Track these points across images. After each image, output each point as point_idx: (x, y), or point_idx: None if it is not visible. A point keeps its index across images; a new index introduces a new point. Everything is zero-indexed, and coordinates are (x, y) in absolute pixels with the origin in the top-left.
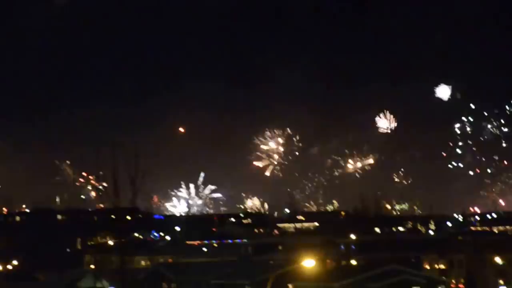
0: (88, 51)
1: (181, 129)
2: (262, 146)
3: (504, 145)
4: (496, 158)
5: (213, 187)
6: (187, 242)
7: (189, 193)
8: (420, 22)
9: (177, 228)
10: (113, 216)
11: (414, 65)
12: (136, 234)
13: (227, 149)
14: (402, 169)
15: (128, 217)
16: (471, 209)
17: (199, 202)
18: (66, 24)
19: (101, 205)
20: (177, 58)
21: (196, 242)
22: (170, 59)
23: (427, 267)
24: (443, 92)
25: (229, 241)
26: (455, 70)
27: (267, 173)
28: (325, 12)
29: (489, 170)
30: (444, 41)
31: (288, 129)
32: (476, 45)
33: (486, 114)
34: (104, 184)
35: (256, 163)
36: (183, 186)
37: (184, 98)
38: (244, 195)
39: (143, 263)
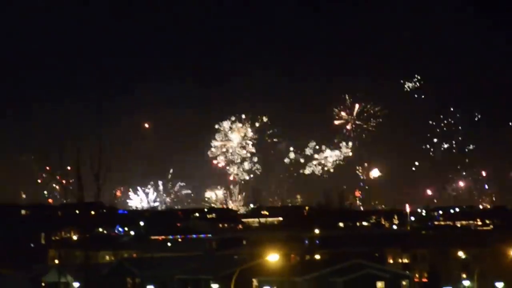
0: (55, 47)
1: (146, 125)
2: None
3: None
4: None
5: (182, 183)
6: (152, 237)
7: (155, 189)
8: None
9: (142, 223)
10: (77, 211)
11: (387, 60)
12: (100, 229)
13: (195, 145)
14: (366, 164)
15: (92, 212)
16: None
17: (166, 198)
18: (29, 18)
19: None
20: (145, 55)
21: (160, 237)
22: (138, 56)
23: (391, 261)
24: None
25: (194, 236)
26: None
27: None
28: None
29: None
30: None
31: (257, 121)
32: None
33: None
34: (68, 180)
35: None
36: (150, 182)
37: (150, 95)
38: (208, 191)
39: (107, 258)
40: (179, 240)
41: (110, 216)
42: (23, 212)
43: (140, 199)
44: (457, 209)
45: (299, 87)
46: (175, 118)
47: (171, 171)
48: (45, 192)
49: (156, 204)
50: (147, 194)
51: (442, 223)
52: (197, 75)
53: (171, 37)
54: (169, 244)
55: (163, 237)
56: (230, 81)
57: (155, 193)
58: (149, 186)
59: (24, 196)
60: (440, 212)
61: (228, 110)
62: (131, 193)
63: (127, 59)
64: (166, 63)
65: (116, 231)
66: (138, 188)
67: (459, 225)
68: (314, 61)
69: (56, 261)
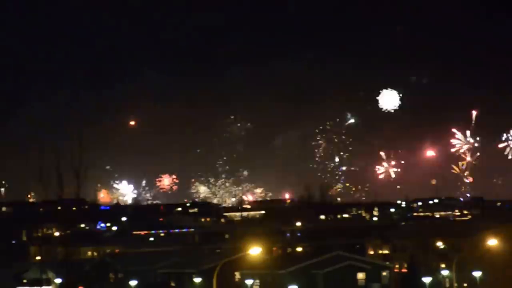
0: (38, 44)
1: (132, 122)
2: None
3: None
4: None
5: (168, 178)
6: (134, 232)
7: (138, 185)
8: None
9: (124, 219)
10: (58, 208)
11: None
12: (82, 225)
13: (184, 138)
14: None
15: (74, 209)
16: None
17: (147, 194)
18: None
19: (46, 198)
20: (128, 52)
21: (142, 232)
22: (121, 53)
23: (371, 252)
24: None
25: (176, 230)
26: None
27: None
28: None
29: None
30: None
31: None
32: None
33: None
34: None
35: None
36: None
37: (135, 92)
38: (194, 184)
39: (89, 253)
40: (162, 234)
41: (92, 212)
42: (3, 209)
43: (123, 194)
44: (436, 200)
45: (282, 89)
46: (162, 115)
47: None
48: (26, 189)
49: (142, 200)
50: (129, 190)
51: (422, 214)
52: (183, 74)
53: (157, 35)
54: (151, 238)
55: (145, 232)
56: (218, 79)
57: (138, 189)
58: (130, 182)
59: (3, 193)
60: (420, 203)
61: (218, 108)
62: (114, 189)
63: (112, 57)
64: (149, 59)
65: (98, 227)
66: (121, 183)
67: (438, 216)
68: None
69: (38, 258)
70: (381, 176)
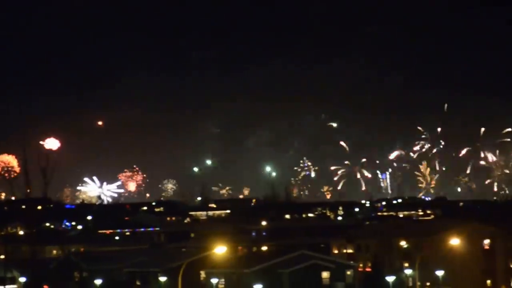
0: (7, 43)
1: (99, 123)
2: None
3: None
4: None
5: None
6: (99, 231)
7: (102, 184)
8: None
9: (89, 217)
10: (23, 207)
11: None
12: (47, 224)
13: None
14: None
15: (39, 207)
16: None
17: (112, 194)
18: None
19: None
20: (99, 53)
21: (108, 231)
22: (92, 53)
23: (336, 251)
24: None
25: (142, 229)
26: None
27: None
28: None
29: None
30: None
31: None
32: None
33: None
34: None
35: None
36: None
37: (104, 92)
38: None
39: (54, 252)
40: (127, 233)
41: (57, 211)
42: None
43: (87, 191)
44: (399, 200)
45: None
46: (130, 115)
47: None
48: None
49: (107, 198)
50: (94, 189)
51: (385, 213)
52: (153, 74)
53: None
54: (117, 237)
55: (111, 231)
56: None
57: (103, 188)
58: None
59: None
60: (383, 203)
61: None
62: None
63: (83, 57)
64: (121, 60)
65: (63, 226)
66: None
67: (401, 216)
68: None
69: (2, 256)
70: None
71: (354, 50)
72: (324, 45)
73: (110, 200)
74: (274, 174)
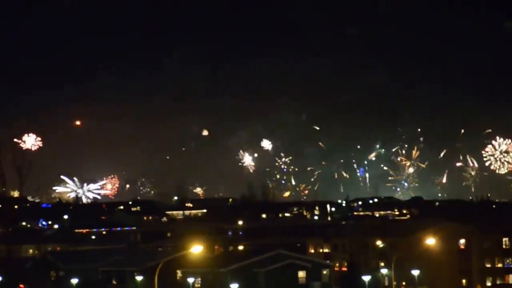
0: None
1: (77, 122)
2: None
3: None
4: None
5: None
6: (76, 230)
7: (80, 184)
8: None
9: (66, 217)
10: None
11: None
12: (23, 223)
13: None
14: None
15: (15, 207)
16: None
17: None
18: None
19: None
20: (73, 52)
21: (84, 230)
22: (72, 50)
23: (312, 251)
24: None
25: (118, 228)
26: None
27: None
28: None
29: None
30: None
31: None
32: None
33: None
34: None
35: None
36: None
37: (82, 92)
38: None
39: (30, 251)
40: (104, 233)
41: (33, 210)
42: None
43: (65, 191)
44: (376, 200)
45: (238, 89)
46: (109, 114)
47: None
48: None
49: (84, 198)
50: (71, 189)
51: (362, 213)
52: (133, 74)
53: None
54: (93, 237)
55: (87, 230)
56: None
57: (79, 188)
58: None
59: None
60: (360, 203)
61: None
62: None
63: (59, 56)
64: (97, 59)
65: (39, 225)
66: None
67: (377, 216)
68: None
69: None
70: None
71: (336, 49)
72: (307, 45)
73: (90, 200)
74: (252, 171)
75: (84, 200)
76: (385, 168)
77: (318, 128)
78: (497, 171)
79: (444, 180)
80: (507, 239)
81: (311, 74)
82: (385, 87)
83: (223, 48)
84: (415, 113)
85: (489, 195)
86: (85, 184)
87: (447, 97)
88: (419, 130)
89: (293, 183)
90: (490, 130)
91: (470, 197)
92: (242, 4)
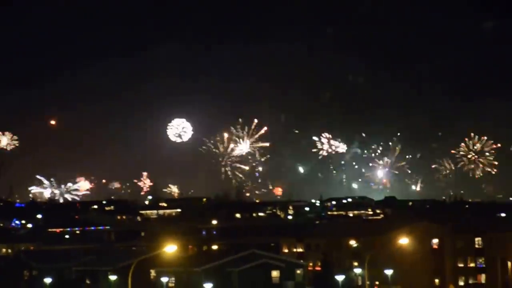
0: None
1: (53, 122)
2: None
3: None
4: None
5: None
6: (49, 229)
7: (55, 183)
8: None
9: (39, 216)
10: None
11: None
12: None
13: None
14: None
15: None
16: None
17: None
18: None
19: None
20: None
21: (58, 230)
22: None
23: (286, 250)
24: None
25: (92, 228)
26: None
27: None
28: None
29: None
30: None
31: None
32: None
33: None
34: None
35: None
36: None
37: (57, 91)
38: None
39: (3, 251)
40: (77, 232)
41: (6, 209)
42: None
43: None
44: (349, 200)
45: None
46: (83, 113)
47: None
48: None
49: (59, 197)
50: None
51: (335, 213)
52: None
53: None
54: (67, 236)
55: (61, 229)
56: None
57: (54, 187)
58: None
59: None
60: (334, 202)
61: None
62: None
63: (33, 55)
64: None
65: (13, 224)
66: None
67: (351, 215)
68: None
69: None
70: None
71: (317, 47)
72: (286, 42)
73: (67, 199)
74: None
75: (61, 200)
76: (361, 168)
77: (297, 131)
78: (470, 173)
79: (420, 181)
80: (479, 239)
81: (289, 73)
82: (363, 86)
83: (203, 46)
84: (394, 112)
85: (462, 192)
86: (62, 185)
87: (424, 97)
88: (398, 134)
89: (268, 182)
90: (468, 131)
91: (443, 197)
92: (219, 3)
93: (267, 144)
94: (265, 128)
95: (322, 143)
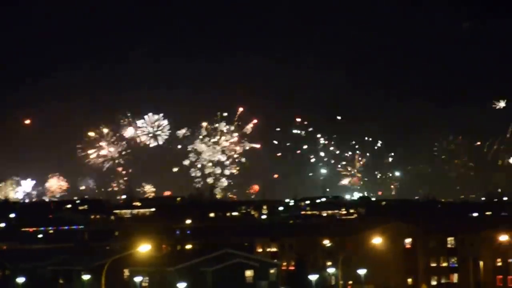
0: None
1: (27, 121)
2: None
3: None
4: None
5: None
6: (22, 228)
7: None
8: None
9: (12, 215)
10: None
11: None
12: None
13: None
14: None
15: None
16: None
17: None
18: None
19: None
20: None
21: (31, 229)
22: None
23: (260, 250)
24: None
25: (66, 227)
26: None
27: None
28: None
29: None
30: None
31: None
32: None
33: None
34: None
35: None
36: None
37: (30, 91)
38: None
39: None
40: (51, 231)
41: None
42: None
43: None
44: (323, 199)
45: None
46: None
47: None
48: None
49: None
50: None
51: (309, 212)
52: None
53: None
54: (40, 235)
55: (34, 228)
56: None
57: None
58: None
59: None
60: (308, 202)
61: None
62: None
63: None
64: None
65: None
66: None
67: (325, 215)
68: None
69: None
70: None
71: (296, 49)
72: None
73: (46, 199)
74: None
75: (35, 199)
76: (338, 168)
77: (276, 142)
78: (444, 173)
79: (396, 183)
80: (452, 238)
81: (269, 77)
82: (340, 89)
83: (177, 52)
84: (370, 115)
85: (435, 192)
86: (34, 182)
87: (397, 100)
88: (377, 140)
89: (243, 182)
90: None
91: (417, 197)
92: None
93: (258, 146)
94: (252, 124)
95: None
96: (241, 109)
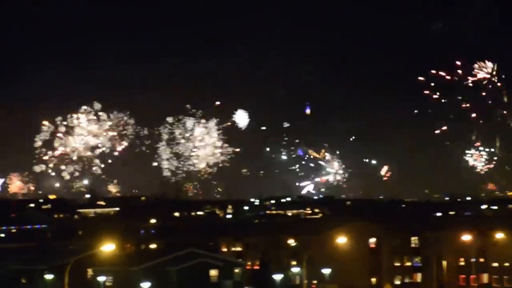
0: None
1: None
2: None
3: None
4: None
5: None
6: None
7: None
8: None
9: None
10: None
11: None
12: None
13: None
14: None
15: None
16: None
17: None
18: None
19: None
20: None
21: None
22: None
23: (224, 249)
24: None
25: (28, 226)
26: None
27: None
28: None
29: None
30: None
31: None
32: None
33: None
34: None
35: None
36: None
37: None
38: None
39: None
40: (13, 231)
41: None
42: None
43: None
44: (288, 199)
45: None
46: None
47: None
48: None
49: None
50: None
51: (274, 212)
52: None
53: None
54: (2, 235)
55: None
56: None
57: None
58: None
59: None
60: (273, 201)
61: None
62: None
63: None
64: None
65: None
66: None
67: (290, 214)
68: None
69: None
70: None
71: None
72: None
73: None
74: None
75: None
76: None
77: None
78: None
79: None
80: (415, 238)
81: (242, 74)
82: (310, 87)
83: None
84: (339, 114)
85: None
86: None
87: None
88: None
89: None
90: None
91: (381, 197)
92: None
93: (238, 150)
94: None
95: None
96: (218, 102)
